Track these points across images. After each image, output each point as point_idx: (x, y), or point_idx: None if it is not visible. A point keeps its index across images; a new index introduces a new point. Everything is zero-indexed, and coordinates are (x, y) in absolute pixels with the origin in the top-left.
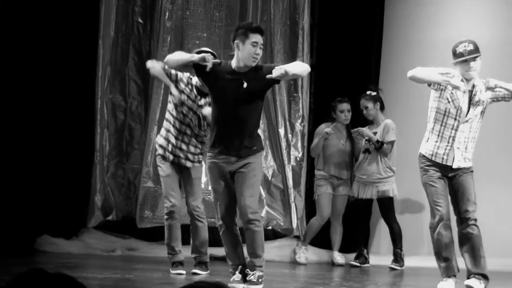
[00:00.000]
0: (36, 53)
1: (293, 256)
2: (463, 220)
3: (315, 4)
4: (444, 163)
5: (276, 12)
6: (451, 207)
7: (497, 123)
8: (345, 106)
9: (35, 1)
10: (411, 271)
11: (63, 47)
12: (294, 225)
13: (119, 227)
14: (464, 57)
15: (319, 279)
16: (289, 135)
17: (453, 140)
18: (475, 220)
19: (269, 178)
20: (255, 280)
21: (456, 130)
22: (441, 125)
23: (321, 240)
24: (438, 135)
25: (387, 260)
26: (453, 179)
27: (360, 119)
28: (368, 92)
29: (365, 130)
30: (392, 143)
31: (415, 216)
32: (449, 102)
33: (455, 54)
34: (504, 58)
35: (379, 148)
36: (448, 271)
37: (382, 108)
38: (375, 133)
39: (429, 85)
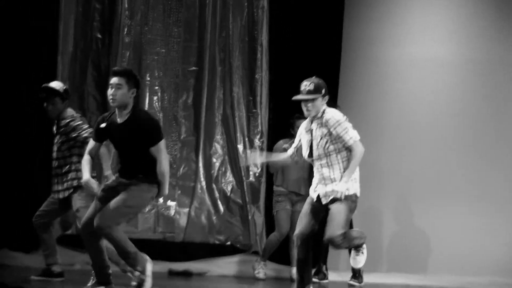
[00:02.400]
0: None
1: (252, 271)
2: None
3: (274, 20)
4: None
5: (235, 28)
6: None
7: (456, 139)
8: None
9: None
10: None
11: (21, 63)
12: (253, 241)
13: (78, 241)
14: (301, 97)
15: None
16: (248, 151)
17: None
18: None
19: (228, 194)
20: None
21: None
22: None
23: (280, 255)
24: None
25: (346, 276)
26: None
27: None
28: None
29: None
30: None
31: (374, 233)
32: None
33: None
34: (462, 75)
35: None
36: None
37: None
38: None
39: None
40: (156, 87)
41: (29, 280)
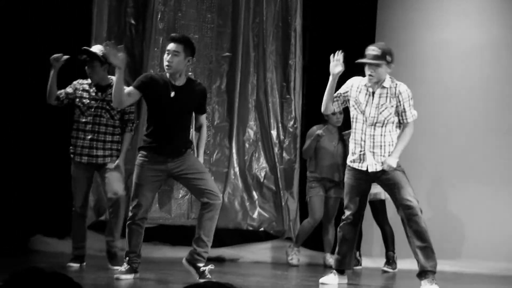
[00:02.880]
0: (27, 54)
1: (285, 257)
2: (406, 207)
3: (308, 6)
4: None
5: (269, 14)
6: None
7: (488, 124)
8: None
9: (28, 3)
10: (404, 274)
11: (55, 48)
12: (286, 227)
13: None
14: (366, 61)
15: (312, 281)
16: (282, 137)
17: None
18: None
19: (262, 180)
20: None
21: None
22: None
23: (313, 242)
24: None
25: (379, 262)
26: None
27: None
28: None
29: None
30: None
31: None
32: (354, 108)
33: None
34: (496, 59)
35: None
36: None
37: None
38: None
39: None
40: (190, 73)
41: (64, 266)
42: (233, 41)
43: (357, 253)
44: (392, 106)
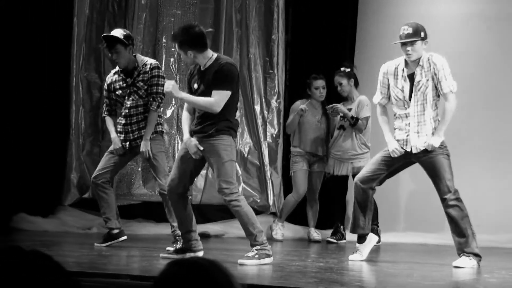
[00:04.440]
0: (11, 32)
1: (269, 232)
2: (442, 200)
3: None
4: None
5: None
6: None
7: (476, 97)
8: (320, 83)
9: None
10: (388, 247)
11: (37, 25)
12: (271, 202)
13: (95, 204)
14: (401, 40)
15: (296, 255)
16: (265, 112)
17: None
18: (455, 199)
19: (245, 155)
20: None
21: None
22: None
23: (297, 216)
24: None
25: None
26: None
27: (335, 96)
28: (342, 69)
29: (340, 106)
30: (367, 119)
31: (391, 192)
32: (394, 93)
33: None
34: (482, 30)
35: (354, 124)
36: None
37: (356, 84)
38: (349, 110)
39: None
40: (173, 49)
41: (47, 244)
42: (216, 17)
43: (341, 227)
44: (428, 80)
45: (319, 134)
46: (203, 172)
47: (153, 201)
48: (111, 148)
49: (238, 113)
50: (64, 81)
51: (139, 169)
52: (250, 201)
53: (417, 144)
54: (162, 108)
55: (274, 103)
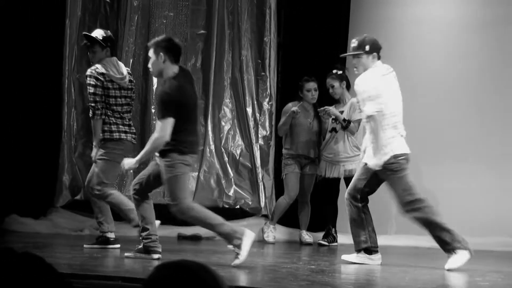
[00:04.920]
0: (1, 33)
1: (261, 235)
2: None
3: None
4: None
5: None
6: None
7: (464, 101)
8: (312, 85)
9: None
10: (380, 250)
11: (30, 27)
12: (262, 204)
13: (87, 206)
14: (346, 54)
15: (287, 258)
16: (257, 114)
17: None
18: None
19: (237, 157)
20: None
21: None
22: None
23: (289, 219)
24: None
25: None
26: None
27: (327, 98)
28: (334, 71)
29: (332, 109)
30: (358, 121)
31: (383, 196)
32: None
33: None
34: (470, 34)
35: (346, 127)
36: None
37: (348, 87)
38: (341, 112)
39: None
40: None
41: (39, 246)
42: (208, 19)
43: (333, 230)
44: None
45: (311, 136)
46: (194, 174)
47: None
48: None
49: (229, 115)
50: (56, 83)
51: (131, 171)
52: (242, 203)
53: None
54: (100, 116)
55: (266, 105)
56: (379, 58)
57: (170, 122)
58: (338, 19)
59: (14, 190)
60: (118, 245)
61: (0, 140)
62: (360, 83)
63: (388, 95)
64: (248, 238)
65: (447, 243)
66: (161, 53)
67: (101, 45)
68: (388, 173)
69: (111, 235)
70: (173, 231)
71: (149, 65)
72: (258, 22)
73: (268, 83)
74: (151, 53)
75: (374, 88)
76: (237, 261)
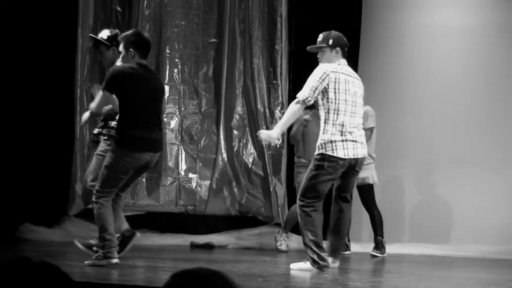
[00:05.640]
0: (15, 44)
1: (274, 243)
2: None
3: None
4: None
5: None
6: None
7: (476, 108)
8: None
9: (27, 2)
10: (393, 258)
11: (42, 37)
12: (275, 213)
13: None
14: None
15: None
16: (269, 122)
17: None
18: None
19: (249, 166)
20: None
21: None
22: None
23: None
24: None
25: (368, 247)
26: None
27: None
28: None
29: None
30: (371, 129)
31: (396, 203)
32: None
33: None
34: (481, 41)
35: None
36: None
37: None
38: None
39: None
40: (176, 60)
41: (52, 254)
42: (219, 27)
43: (346, 238)
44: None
45: None
46: (207, 182)
47: (158, 212)
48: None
49: (241, 123)
50: (69, 92)
51: (143, 179)
52: (254, 212)
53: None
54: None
55: (277, 114)
56: (344, 55)
57: (103, 95)
58: (349, 26)
59: (27, 199)
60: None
61: (14, 149)
62: (315, 70)
63: (334, 91)
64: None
65: None
66: (131, 49)
67: (106, 45)
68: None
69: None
70: (186, 239)
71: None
72: (269, 30)
73: (279, 91)
74: (121, 47)
75: (320, 77)
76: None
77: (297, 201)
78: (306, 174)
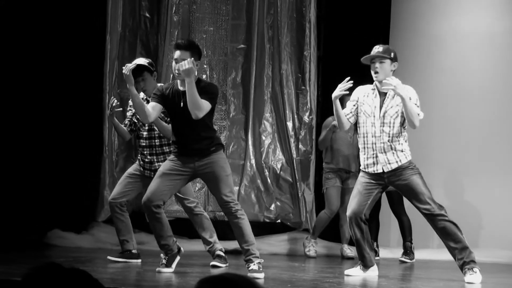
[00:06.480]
0: (44, 50)
1: (302, 249)
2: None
3: None
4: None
5: (283, 5)
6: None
7: (504, 114)
8: None
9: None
10: (422, 264)
11: (71, 43)
12: (303, 218)
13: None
14: (368, 56)
15: (329, 272)
16: (297, 128)
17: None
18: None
19: (278, 172)
20: (256, 269)
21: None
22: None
23: (330, 233)
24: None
25: (397, 253)
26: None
27: None
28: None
29: None
30: None
31: None
32: (363, 113)
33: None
34: (509, 47)
35: None
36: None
37: None
38: None
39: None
40: (205, 66)
41: (81, 260)
42: (248, 33)
43: (375, 244)
44: (398, 105)
45: (352, 150)
46: (235, 188)
47: (186, 218)
48: (130, 170)
49: (270, 129)
50: (97, 98)
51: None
52: (283, 217)
53: (387, 159)
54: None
55: (306, 119)
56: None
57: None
58: (378, 31)
59: (56, 204)
60: (140, 260)
61: (43, 155)
62: (410, 89)
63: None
64: None
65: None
66: (198, 61)
67: (150, 70)
68: (414, 176)
69: (135, 251)
70: None
71: (185, 67)
72: (298, 36)
73: (308, 97)
74: (186, 56)
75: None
76: None
77: (438, 214)
78: (419, 180)
